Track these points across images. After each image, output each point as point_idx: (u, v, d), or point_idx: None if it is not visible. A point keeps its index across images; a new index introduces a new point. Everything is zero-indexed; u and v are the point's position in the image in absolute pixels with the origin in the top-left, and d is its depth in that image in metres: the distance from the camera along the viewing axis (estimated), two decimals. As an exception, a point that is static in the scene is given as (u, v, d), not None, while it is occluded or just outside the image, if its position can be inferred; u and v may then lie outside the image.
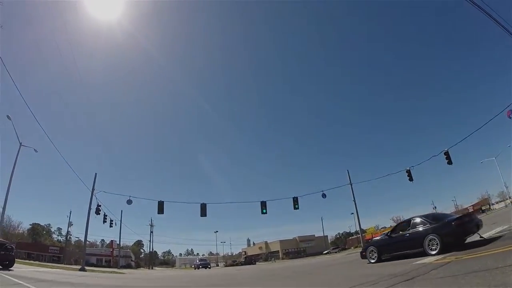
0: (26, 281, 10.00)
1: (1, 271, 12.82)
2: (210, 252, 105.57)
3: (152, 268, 62.24)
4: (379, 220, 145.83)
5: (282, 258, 73.32)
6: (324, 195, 33.20)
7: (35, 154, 30.13)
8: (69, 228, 65.60)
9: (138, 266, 74.93)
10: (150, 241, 70.26)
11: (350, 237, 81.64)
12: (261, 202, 30.25)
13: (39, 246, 64.71)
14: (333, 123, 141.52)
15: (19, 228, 68.51)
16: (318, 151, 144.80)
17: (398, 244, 11.20)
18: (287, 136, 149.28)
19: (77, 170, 66.42)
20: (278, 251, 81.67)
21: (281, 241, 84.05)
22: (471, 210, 67.74)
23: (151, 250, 77.22)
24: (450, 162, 23.48)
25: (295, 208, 30.53)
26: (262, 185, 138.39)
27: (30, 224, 75.07)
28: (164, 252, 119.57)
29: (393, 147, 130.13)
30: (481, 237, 10.38)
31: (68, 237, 70.43)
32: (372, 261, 12.13)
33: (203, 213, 29.22)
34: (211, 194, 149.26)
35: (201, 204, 29.43)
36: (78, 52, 73.61)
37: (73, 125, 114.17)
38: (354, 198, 34.97)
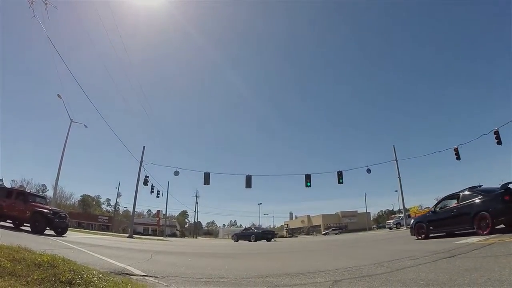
0: (79, 245, 10.56)
1: (56, 237, 13.52)
2: (253, 224, 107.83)
3: (196, 238, 65.53)
4: (423, 200, 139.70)
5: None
6: (368, 170, 31.89)
7: (86, 129, 31.61)
8: (117, 199, 70.21)
9: (183, 235, 79.26)
10: (195, 211, 73.89)
11: (393, 215, 78.50)
12: (305, 175, 29.97)
13: (89, 215, 70.65)
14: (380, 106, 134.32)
15: (71, 199, 74.17)
16: (365, 130, 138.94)
17: None
18: (332, 115, 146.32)
19: (126, 143, 69.34)
20: (320, 225, 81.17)
21: (323, 216, 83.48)
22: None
23: (195, 220, 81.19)
24: (500, 142, 22.07)
25: (339, 182, 29.74)
26: (307, 159, 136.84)
27: (80, 196, 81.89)
28: (208, 222, 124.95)
29: (443, 129, 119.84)
30: None
31: (116, 207, 75.81)
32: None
33: (248, 184, 29.45)
34: (255, 166, 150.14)
35: (246, 176, 29.75)
36: (123, 32, 74.82)
37: (121, 100, 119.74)
38: (399, 174, 33.50)
